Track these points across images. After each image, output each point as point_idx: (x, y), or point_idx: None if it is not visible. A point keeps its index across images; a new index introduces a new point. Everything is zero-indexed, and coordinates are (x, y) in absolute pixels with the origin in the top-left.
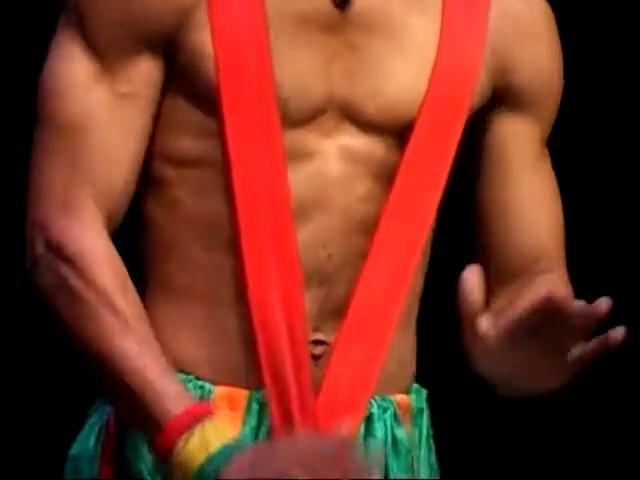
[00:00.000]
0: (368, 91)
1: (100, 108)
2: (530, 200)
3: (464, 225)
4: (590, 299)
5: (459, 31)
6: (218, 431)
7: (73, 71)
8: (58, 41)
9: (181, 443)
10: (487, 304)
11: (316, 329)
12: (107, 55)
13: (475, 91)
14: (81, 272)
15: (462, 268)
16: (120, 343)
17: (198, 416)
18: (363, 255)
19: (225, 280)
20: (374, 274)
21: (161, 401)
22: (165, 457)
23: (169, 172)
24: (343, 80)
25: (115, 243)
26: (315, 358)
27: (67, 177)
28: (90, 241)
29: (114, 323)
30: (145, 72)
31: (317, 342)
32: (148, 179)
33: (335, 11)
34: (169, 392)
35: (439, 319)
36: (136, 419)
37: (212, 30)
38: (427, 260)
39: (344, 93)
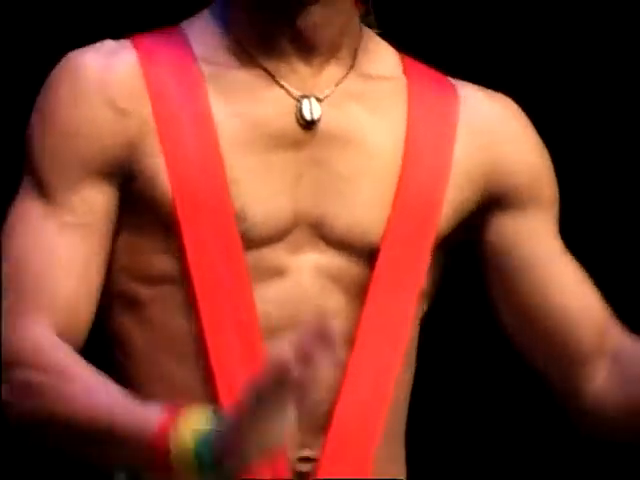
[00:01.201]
0: (335, 210)
1: (46, 238)
2: (569, 291)
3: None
4: None
5: (424, 146)
6: (195, 417)
7: (24, 207)
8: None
9: (171, 443)
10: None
11: (303, 445)
12: (52, 187)
13: (446, 205)
14: (33, 363)
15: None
16: (86, 401)
17: (174, 417)
18: (341, 369)
19: (198, 397)
20: (354, 388)
21: (141, 426)
22: (170, 470)
23: (136, 288)
24: (310, 197)
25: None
26: (303, 476)
27: (15, 304)
28: (35, 338)
29: (75, 389)
30: (93, 201)
31: (304, 459)
32: (115, 294)
33: (300, 129)
34: (142, 415)
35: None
36: (132, 457)
37: (165, 157)
38: (412, 372)
39: (312, 211)
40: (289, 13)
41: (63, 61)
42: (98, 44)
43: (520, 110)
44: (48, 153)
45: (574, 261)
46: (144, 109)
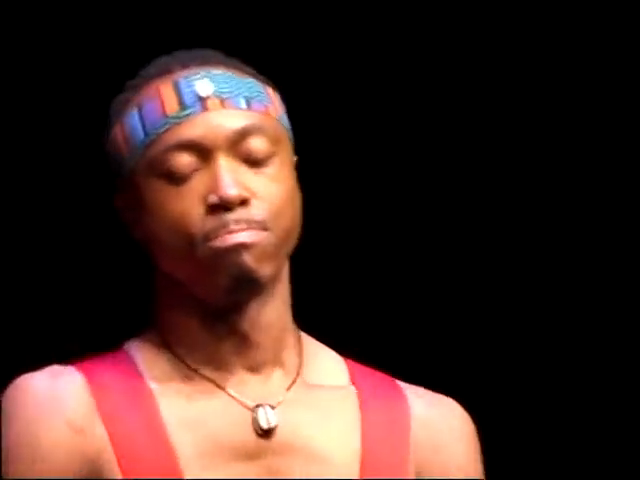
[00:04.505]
0: None
1: None
2: None
3: None
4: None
5: (381, 451)
6: None
7: None
8: None
9: None
10: None
11: None
12: None
13: None
14: None
15: None
16: None
17: None
18: None
19: None
20: None
21: None
22: None
23: None
24: None
25: None
26: None
27: None
28: None
29: None
30: None
31: None
32: None
33: (256, 439)
34: None
35: None
36: None
37: (123, 475)
38: None
39: None
40: (232, 319)
41: (11, 389)
42: (41, 370)
43: (464, 415)
44: None
45: None
46: (97, 427)
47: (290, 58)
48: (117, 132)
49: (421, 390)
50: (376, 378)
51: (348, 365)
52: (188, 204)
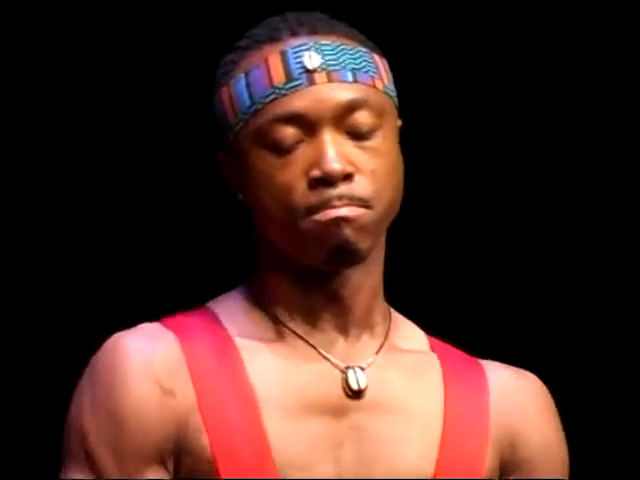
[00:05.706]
0: (380, 476)
1: None
2: None
3: None
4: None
5: (463, 414)
6: None
7: None
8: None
9: None
10: None
11: None
12: (113, 475)
13: (485, 469)
14: None
15: None
16: None
17: None
18: None
19: None
20: None
21: None
22: None
23: None
24: (353, 465)
25: None
26: None
27: None
28: None
29: None
30: None
31: None
32: None
33: (346, 399)
34: None
35: None
36: None
37: (208, 434)
38: None
39: (354, 477)
40: (327, 280)
41: (106, 347)
42: (135, 328)
43: (543, 388)
44: (105, 443)
45: None
46: (187, 388)
47: (398, 18)
48: (223, 93)
49: (498, 364)
50: (453, 351)
51: (427, 337)
52: (291, 176)
